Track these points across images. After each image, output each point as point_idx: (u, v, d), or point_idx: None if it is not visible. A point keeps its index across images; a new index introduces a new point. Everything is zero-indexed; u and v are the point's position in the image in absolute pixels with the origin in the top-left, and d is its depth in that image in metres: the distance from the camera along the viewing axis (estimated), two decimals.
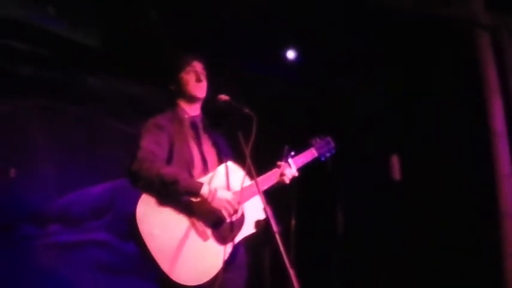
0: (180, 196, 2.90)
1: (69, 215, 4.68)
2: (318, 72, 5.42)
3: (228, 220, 2.94)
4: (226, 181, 3.05)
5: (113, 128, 5.02)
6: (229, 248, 2.93)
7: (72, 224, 4.68)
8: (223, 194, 2.93)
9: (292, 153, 3.30)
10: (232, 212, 2.93)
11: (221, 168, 3.09)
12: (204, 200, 2.89)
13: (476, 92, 4.62)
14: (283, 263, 2.58)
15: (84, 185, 4.78)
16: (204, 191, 2.89)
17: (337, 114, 5.42)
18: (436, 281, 4.78)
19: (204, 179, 3.01)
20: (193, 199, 2.91)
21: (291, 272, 2.57)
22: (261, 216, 3.01)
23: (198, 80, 3.18)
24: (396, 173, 5.19)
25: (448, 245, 4.75)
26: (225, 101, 3.07)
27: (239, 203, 2.95)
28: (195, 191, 2.89)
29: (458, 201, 4.72)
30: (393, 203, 5.11)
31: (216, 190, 2.92)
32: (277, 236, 2.66)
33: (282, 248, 2.62)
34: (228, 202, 2.91)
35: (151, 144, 2.98)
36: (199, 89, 3.19)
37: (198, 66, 3.22)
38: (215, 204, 2.89)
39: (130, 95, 5.14)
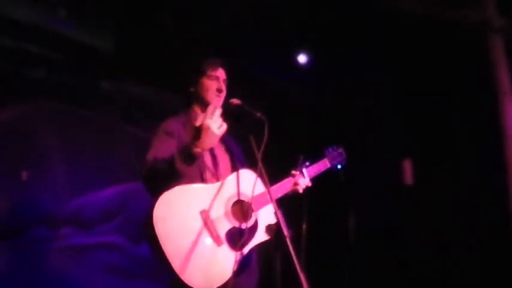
0: (185, 160, 2.84)
1: (81, 218, 4.70)
2: (329, 77, 5.41)
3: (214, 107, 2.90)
4: (238, 188, 3.04)
5: (124, 131, 5.04)
6: (241, 254, 2.93)
7: (84, 226, 4.70)
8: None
9: (307, 163, 3.30)
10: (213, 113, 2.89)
11: (234, 175, 3.07)
12: (199, 135, 2.86)
13: (488, 95, 4.60)
14: (294, 267, 2.57)
15: (96, 187, 4.79)
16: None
17: (349, 119, 5.41)
18: (449, 283, 4.75)
19: (216, 185, 3.01)
20: (194, 148, 2.85)
21: (302, 276, 2.57)
22: (273, 221, 3.00)
23: (219, 91, 3.13)
24: (408, 178, 5.18)
25: (460, 248, 4.72)
26: (236, 105, 3.06)
27: (253, 210, 2.94)
28: (190, 142, 2.86)
29: (471, 205, 4.70)
30: (405, 207, 5.09)
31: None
32: (289, 241, 2.66)
33: (293, 252, 2.61)
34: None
35: (158, 152, 2.96)
36: (218, 100, 3.12)
37: (221, 73, 3.17)
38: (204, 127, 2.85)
39: (141, 98, 5.15)
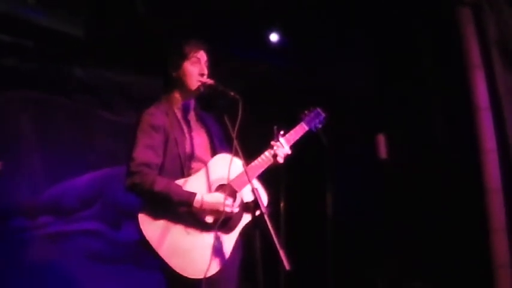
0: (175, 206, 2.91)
1: (59, 205, 4.69)
2: (301, 54, 5.41)
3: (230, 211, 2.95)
4: (214, 175, 3.05)
5: (99, 116, 5.01)
6: (233, 238, 2.97)
7: (63, 214, 4.70)
8: (211, 199, 2.93)
9: (282, 132, 3.25)
10: (230, 207, 2.94)
11: (213, 161, 3.08)
12: (198, 210, 2.92)
13: (459, 68, 4.64)
14: (274, 243, 2.60)
15: (73, 175, 4.78)
16: (197, 201, 2.90)
17: (323, 95, 5.43)
18: (422, 254, 4.83)
19: (196, 176, 3.01)
20: (194, 206, 2.91)
21: (282, 253, 2.59)
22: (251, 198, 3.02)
23: (202, 75, 3.08)
24: (382, 152, 5.23)
25: (434, 221, 4.79)
26: (210, 85, 3.06)
27: (235, 192, 2.96)
28: (188, 203, 2.89)
29: (444, 178, 4.77)
30: (381, 182, 5.15)
31: (202, 197, 2.91)
32: (267, 217, 2.68)
33: (272, 229, 2.63)
34: (220, 204, 2.92)
35: (143, 152, 2.93)
36: (199, 84, 3.08)
37: (203, 56, 3.12)
38: (208, 210, 2.92)
39: (117, 84, 5.12)
